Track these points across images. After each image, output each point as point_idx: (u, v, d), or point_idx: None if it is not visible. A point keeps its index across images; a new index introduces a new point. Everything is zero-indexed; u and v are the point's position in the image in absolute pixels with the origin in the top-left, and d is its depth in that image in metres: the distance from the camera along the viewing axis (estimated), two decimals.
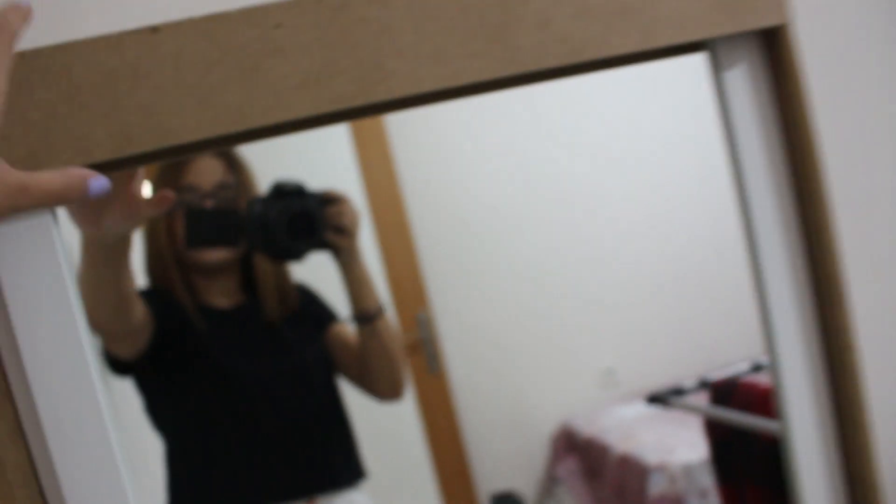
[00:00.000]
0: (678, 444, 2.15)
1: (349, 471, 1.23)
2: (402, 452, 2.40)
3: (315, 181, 1.15)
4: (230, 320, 1.22)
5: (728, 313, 2.78)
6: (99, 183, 0.52)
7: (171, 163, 1.15)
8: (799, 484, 0.67)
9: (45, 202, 0.49)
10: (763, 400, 1.19)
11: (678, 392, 1.30)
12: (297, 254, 1.12)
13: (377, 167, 2.42)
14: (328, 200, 1.13)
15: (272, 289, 1.22)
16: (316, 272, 1.26)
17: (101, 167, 0.55)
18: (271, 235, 1.09)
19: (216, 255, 1.17)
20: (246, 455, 1.17)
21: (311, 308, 1.28)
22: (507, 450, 2.67)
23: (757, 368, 1.43)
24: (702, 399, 1.41)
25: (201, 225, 1.12)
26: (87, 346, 0.61)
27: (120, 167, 0.56)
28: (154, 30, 0.55)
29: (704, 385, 1.34)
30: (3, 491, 0.55)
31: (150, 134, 0.55)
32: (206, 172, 1.16)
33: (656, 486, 2.07)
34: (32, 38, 0.59)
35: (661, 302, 2.78)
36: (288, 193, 1.11)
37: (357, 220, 1.14)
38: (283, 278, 1.24)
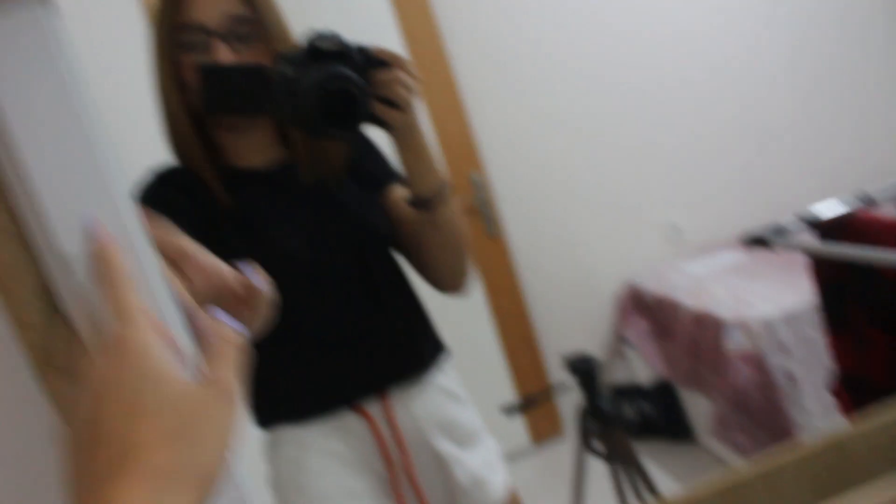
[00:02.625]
0: (754, 299, 2.03)
1: (424, 353, 1.05)
2: (464, 319, 2.31)
3: (348, 35, 0.90)
4: (266, 183, 1.01)
5: (797, 158, 2.61)
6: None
7: None
8: None
9: (240, 376, 0.45)
10: (892, 233, 1.03)
11: (780, 232, 1.14)
12: (332, 137, 0.90)
13: (417, 20, 2.20)
14: (376, 63, 0.88)
15: (309, 146, 1.00)
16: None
17: None
18: (301, 113, 0.87)
19: (241, 119, 0.97)
20: (298, 348, 0.99)
21: (367, 162, 1.06)
22: (571, 312, 2.58)
23: (870, 202, 1.26)
24: (806, 240, 1.25)
25: (220, 87, 0.89)
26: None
27: None
28: None
29: (810, 224, 1.17)
30: None
31: None
32: (212, 3, 0.93)
33: (734, 343, 1.95)
34: None
35: (724, 151, 2.60)
36: (325, 55, 0.87)
37: (413, 89, 0.90)
38: None
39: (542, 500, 2.03)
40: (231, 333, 0.46)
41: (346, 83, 0.86)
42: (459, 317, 2.13)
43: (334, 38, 0.87)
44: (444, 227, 0.97)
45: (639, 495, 1.49)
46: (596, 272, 2.57)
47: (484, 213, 2.35)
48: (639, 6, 2.49)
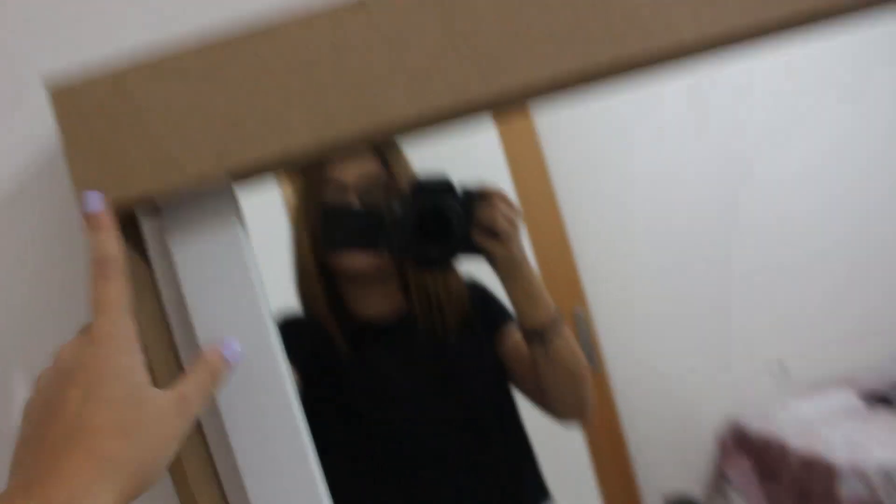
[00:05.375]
0: (872, 444, 1.93)
1: (529, 499, 1.07)
2: (560, 453, 2.28)
3: (460, 177, 0.97)
4: (386, 337, 1.06)
5: None
6: (232, 351, 0.51)
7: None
8: None
9: (206, 398, 0.48)
10: None
11: None
12: (433, 260, 0.94)
13: (526, 159, 2.31)
14: (479, 197, 0.92)
15: (429, 296, 1.05)
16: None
17: (300, 158, 0.47)
18: (401, 237, 0.92)
19: (360, 261, 1.02)
20: (402, 491, 1.01)
21: (483, 309, 1.10)
22: (672, 450, 2.51)
23: None
24: None
25: (339, 225, 0.96)
26: (287, 381, 0.53)
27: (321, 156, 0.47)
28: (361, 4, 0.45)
29: None
30: None
31: (355, 115, 0.45)
32: (351, 163, 1.01)
33: (850, 492, 1.86)
34: (210, 23, 0.51)
35: (834, 283, 2.54)
36: (429, 190, 0.93)
37: (514, 220, 0.92)
38: (443, 282, 1.07)
39: None
40: (214, 358, 0.49)
41: (437, 201, 0.92)
42: (555, 451, 2.11)
43: (438, 177, 0.94)
44: (559, 359, 0.98)
45: None
46: (698, 410, 2.52)
47: (585, 348, 2.36)
48: (748, 141, 2.53)
